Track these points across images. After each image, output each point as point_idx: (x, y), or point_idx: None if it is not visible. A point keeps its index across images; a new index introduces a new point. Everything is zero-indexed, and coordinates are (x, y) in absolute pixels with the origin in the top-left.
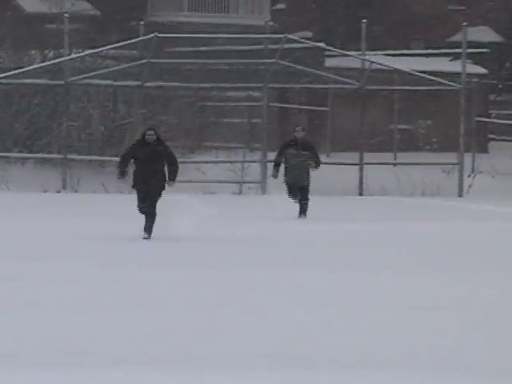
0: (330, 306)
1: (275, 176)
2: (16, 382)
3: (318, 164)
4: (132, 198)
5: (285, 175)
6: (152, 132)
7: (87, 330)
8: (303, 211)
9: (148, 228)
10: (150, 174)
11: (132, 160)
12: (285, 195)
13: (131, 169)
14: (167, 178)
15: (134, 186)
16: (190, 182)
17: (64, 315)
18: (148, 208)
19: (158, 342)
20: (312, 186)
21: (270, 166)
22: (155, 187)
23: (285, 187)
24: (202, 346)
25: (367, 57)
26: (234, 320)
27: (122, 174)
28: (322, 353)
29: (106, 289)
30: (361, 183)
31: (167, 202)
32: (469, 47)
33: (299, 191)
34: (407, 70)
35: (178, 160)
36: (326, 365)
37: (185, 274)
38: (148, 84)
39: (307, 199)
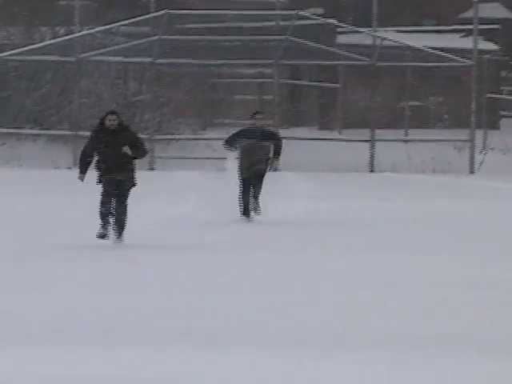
0: (356, 286)
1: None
2: (63, 358)
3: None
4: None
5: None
6: (114, 117)
7: (120, 308)
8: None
9: (120, 227)
10: (116, 166)
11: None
12: (294, 172)
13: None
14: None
15: (99, 182)
16: (199, 158)
17: (94, 294)
18: (117, 207)
19: (187, 319)
20: (323, 163)
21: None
22: (124, 180)
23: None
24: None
25: (378, 33)
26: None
27: (83, 173)
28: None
29: (149, 268)
30: (372, 160)
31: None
32: (480, 23)
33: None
34: (419, 47)
35: (189, 136)
36: (333, 343)
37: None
38: (159, 61)
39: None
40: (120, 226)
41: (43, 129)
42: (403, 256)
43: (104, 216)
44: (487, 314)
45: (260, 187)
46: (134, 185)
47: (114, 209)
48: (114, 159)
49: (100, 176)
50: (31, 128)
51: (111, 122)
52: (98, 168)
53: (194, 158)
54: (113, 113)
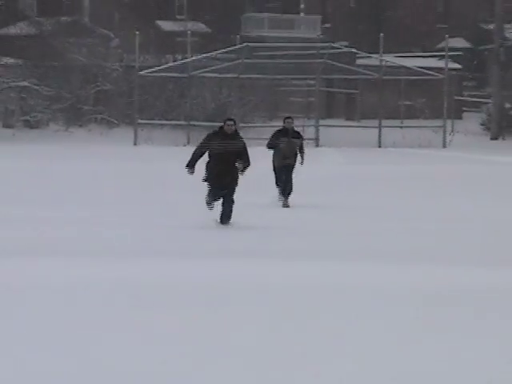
0: (364, 218)
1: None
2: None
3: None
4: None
5: (274, 160)
6: (231, 122)
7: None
8: (289, 192)
9: (226, 215)
10: (226, 169)
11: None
12: (331, 148)
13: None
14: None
15: (206, 180)
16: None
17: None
18: (225, 198)
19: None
20: (348, 142)
21: (321, 128)
22: (230, 183)
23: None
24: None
25: (383, 57)
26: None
27: (192, 167)
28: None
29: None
30: (379, 139)
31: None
32: (450, 51)
33: (285, 171)
34: (409, 66)
35: (261, 124)
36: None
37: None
38: (242, 76)
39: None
40: (227, 217)
41: (167, 120)
42: (394, 196)
43: (210, 202)
44: (449, 235)
45: (291, 182)
46: (236, 185)
47: (222, 203)
48: (225, 161)
49: (208, 176)
50: (159, 119)
51: (229, 127)
52: (208, 168)
53: (264, 139)
54: (230, 119)
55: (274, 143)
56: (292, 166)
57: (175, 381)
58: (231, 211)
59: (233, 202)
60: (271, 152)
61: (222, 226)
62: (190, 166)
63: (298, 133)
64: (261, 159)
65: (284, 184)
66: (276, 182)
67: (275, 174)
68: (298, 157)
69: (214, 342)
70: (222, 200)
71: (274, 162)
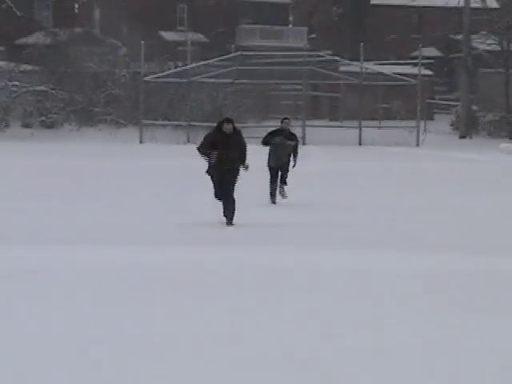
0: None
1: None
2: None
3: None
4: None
5: (268, 160)
6: (230, 125)
7: None
8: (284, 181)
9: (229, 214)
10: (226, 163)
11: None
12: (317, 146)
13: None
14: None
15: (208, 173)
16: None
17: None
18: (225, 195)
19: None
20: (332, 140)
21: (308, 128)
22: (231, 176)
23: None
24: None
25: (363, 65)
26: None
27: (208, 155)
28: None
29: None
30: (359, 138)
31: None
32: (422, 59)
33: (280, 170)
34: (386, 73)
35: (254, 124)
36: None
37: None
38: (236, 81)
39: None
40: (230, 212)
41: (169, 121)
42: (375, 190)
43: (219, 199)
44: (422, 218)
45: (286, 174)
46: (237, 177)
47: (223, 201)
48: (226, 157)
49: (210, 168)
50: (162, 120)
51: (227, 129)
52: (210, 162)
53: (258, 137)
54: (228, 121)
55: (268, 140)
56: (287, 165)
57: (186, 357)
58: (234, 209)
59: (234, 201)
60: (265, 149)
61: (226, 226)
62: (203, 152)
63: (294, 135)
64: (253, 155)
65: (275, 186)
66: (270, 181)
67: (270, 172)
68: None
69: (225, 320)
70: (223, 200)
71: (268, 162)
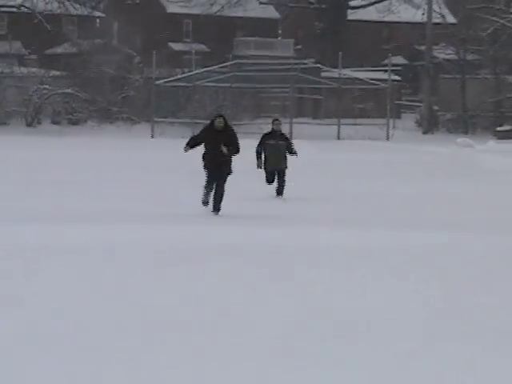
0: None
1: (260, 166)
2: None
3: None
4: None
5: (265, 163)
6: (221, 119)
7: None
8: (280, 192)
9: (217, 204)
10: (219, 158)
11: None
12: (301, 140)
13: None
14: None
15: (204, 167)
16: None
17: None
18: (216, 187)
19: None
20: (313, 135)
21: (294, 125)
22: (223, 169)
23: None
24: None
25: (342, 71)
26: None
27: (187, 149)
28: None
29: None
30: (338, 133)
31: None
32: (391, 66)
33: (277, 175)
34: (361, 78)
35: (248, 122)
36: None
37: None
38: (234, 85)
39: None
40: (218, 202)
41: (177, 118)
42: (349, 179)
43: (207, 192)
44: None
45: (283, 182)
46: (230, 173)
47: (214, 189)
48: (218, 152)
49: (205, 165)
50: (171, 118)
51: (219, 123)
52: (204, 158)
53: (252, 133)
54: (220, 116)
55: (261, 149)
56: (283, 171)
57: (200, 323)
58: (222, 198)
59: (223, 190)
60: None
61: (212, 213)
62: (188, 146)
63: (285, 136)
64: (247, 148)
65: (277, 184)
66: (266, 181)
67: (266, 174)
68: (290, 158)
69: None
70: (214, 190)
71: (265, 166)
